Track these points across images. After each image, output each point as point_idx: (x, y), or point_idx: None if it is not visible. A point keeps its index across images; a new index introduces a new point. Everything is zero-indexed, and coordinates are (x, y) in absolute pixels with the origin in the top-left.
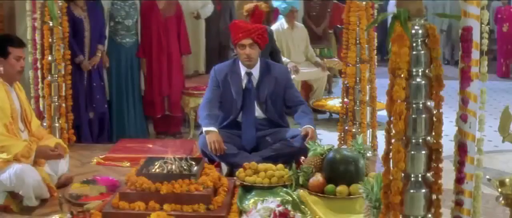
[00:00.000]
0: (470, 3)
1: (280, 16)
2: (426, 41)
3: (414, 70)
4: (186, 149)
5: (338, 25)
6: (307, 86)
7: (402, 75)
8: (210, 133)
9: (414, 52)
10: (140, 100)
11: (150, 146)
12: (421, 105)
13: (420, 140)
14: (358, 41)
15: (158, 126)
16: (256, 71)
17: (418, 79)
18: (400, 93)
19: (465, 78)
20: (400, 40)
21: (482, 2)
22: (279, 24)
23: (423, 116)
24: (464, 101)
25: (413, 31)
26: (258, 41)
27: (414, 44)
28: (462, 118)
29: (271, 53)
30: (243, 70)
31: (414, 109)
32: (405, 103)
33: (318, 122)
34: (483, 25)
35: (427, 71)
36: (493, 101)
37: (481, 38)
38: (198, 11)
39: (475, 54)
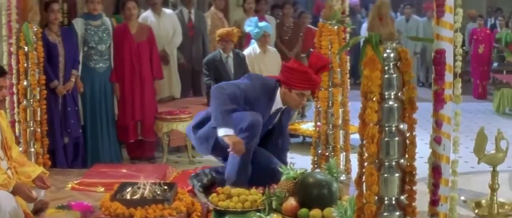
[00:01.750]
0: (443, 25)
1: (252, 41)
2: (398, 64)
3: (386, 93)
4: (159, 173)
5: (311, 49)
6: None
7: (374, 99)
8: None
9: (386, 76)
10: (114, 125)
11: (124, 171)
12: (394, 128)
13: (393, 163)
14: (330, 65)
15: (132, 150)
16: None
17: (391, 102)
18: (372, 116)
19: (438, 100)
20: (371, 64)
21: (455, 25)
22: (252, 49)
23: (396, 138)
24: (437, 124)
25: (385, 55)
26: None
27: (386, 68)
28: (436, 140)
29: None
30: (277, 105)
31: (386, 132)
32: (378, 126)
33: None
34: (456, 47)
35: (399, 94)
36: (469, 123)
37: (455, 60)
38: (165, 49)
39: (448, 77)
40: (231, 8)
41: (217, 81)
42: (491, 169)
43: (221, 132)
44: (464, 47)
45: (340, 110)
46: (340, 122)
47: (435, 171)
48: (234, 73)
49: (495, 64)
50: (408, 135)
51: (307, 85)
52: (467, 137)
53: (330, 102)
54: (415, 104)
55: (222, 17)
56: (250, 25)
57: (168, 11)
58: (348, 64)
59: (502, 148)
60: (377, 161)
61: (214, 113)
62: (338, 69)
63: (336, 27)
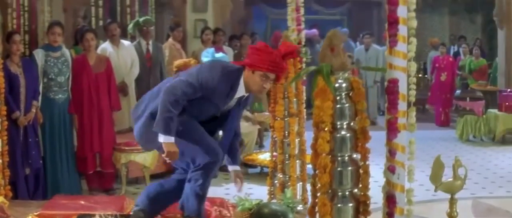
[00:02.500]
0: (396, 55)
1: None
2: (350, 94)
3: (338, 123)
4: (117, 205)
5: None
6: None
7: (326, 129)
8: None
9: (338, 106)
10: (73, 156)
11: (82, 202)
12: (346, 158)
13: (347, 193)
14: (286, 95)
15: (91, 182)
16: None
17: (343, 132)
18: (324, 146)
19: (391, 129)
20: (323, 94)
21: (409, 54)
22: None
23: (349, 168)
24: (391, 153)
25: (337, 85)
26: (277, 80)
27: (338, 98)
28: (390, 169)
29: None
30: (240, 92)
31: (339, 162)
32: (330, 156)
33: (249, 176)
34: (410, 76)
35: (352, 124)
36: (431, 150)
37: (409, 89)
38: (124, 80)
39: (402, 106)
40: (189, 39)
41: None
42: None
43: (162, 138)
44: (426, 75)
45: (297, 140)
46: (296, 151)
47: (390, 200)
48: None
49: (458, 91)
50: (361, 164)
51: (272, 67)
52: (428, 165)
53: (286, 132)
54: (368, 133)
55: (179, 48)
56: (207, 56)
57: (126, 42)
58: (305, 94)
59: (460, 176)
60: (330, 191)
61: (158, 116)
62: (294, 99)
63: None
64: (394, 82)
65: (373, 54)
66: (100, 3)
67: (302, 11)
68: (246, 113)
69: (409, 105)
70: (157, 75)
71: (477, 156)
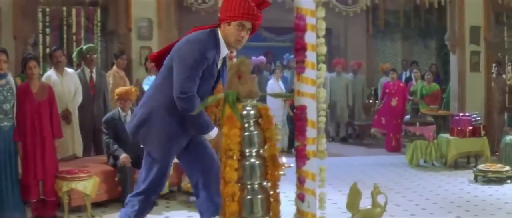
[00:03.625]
0: (305, 82)
1: None
2: (259, 121)
3: (247, 151)
4: None
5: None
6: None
7: (235, 157)
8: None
9: (246, 133)
10: (18, 183)
11: None
12: (256, 186)
13: None
14: (217, 122)
15: (35, 209)
16: None
17: (252, 160)
18: (231, 174)
19: (300, 157)
20: (230, 122)
21: (318, 81)
22: None
23: (259, 196)
24: (300, 181)
25: (245, 112)
26: (253, 31)
27: (246, 125)
28: (299, 197)
29: None
30: (224, 52)
31: (249, 190)
32: (240, 184)
33: (190, 204)
34: (320, 103)
35: (261, 151)
36: (379, 176)
37: (318, 116)
38: (68, 107)
39: (311, 133)
40: (134, 67)
41: (115, 140)
42: None
43: (211, 134)
44: (377, 101)
45: None
46: None
47: None
48: None
49: (408, 116)
50: (271, 192)
51: (246, 14)
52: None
53: None
54: (278, 161)
55: (123, 75)
56: (148, 83)
57: (70, 70)
58: None
59: (380, 203)
60: None
61: (191, 124)
62: None
63: None
64: (302, 109)
65: (344, 80)
66: (48, 31)
67: None
68: None
69: (319, 132)
70: (100, 103)
71: (427, 181)
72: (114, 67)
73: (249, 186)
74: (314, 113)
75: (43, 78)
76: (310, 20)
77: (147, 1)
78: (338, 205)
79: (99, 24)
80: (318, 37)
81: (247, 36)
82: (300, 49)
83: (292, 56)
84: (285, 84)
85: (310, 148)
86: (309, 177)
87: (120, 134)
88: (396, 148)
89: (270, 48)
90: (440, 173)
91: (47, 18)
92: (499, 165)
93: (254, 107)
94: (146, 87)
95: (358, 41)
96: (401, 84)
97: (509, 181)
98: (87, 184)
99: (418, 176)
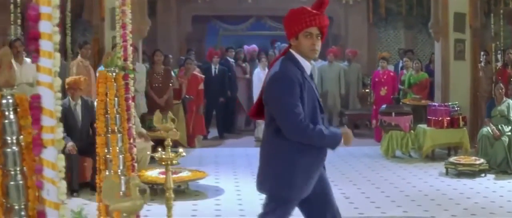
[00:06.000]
0: (42, 71)
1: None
2: (17, 109)
3: (8, 138)
4: None
5: (187, 96)
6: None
7: None
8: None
9: (6, 121)
10: None
11: None
12: (18, 172)
13: (22, 206)
14: (107, 112)
15: None
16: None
17: (14, 147)
18: None
19: (36, 145)
20: None
21: (53, 69)
22: None
23: (21, 182)
24: (37, 169)
25: (4, 101)
26: (324, 34)
27: (7, 113)
28: (38, 185)
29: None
30: (307, 68)
31: (12, 176)
32: (4, 171)
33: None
34: (56, 92)
35: (20, 138)
36: (347, 167)
37: (56, 105)
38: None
39: (49, 121)
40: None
41: (65, 128)
42: None
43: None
44: (367, 90)
45: (121, 156)
46: (121, 167)
47: (40, 215)
48: (81, 120)
49: (384, 106)
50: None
51: (306, 22)
52: (350, 182)
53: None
54: (32, 149)
55: (88, 65)
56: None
57: (28, 60)
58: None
59: (140, 195)
60: (8, 205)
61: (317, 144)
62: (117, 115)
63: (114, 74)
64: (37, 98)
65: (336, 69)
66: (19, 21)
67: (129, 28)
68: (140, 129)
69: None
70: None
71: (394, 173)
72: (79, 57)
73: (12, 172)
74: (51, 102)
75: None
76: (45, 10)
77: None
78: None
79: (69, 14)
80: (53, 25)
81: (319, 42)
82: (32, 38)
83: (284, 44)
84: None
85: (47, 136)
86: (47, 165)
87: (69, 122)
88: None
89: (276, 37)
90: (413, 165)
91: (18, 10)
92: (473, 158)
93: (12, 96)
94: None
95: (358, 30)
96: (391, 74)
97: (483, 175)
98: None
99: (387, 168)
